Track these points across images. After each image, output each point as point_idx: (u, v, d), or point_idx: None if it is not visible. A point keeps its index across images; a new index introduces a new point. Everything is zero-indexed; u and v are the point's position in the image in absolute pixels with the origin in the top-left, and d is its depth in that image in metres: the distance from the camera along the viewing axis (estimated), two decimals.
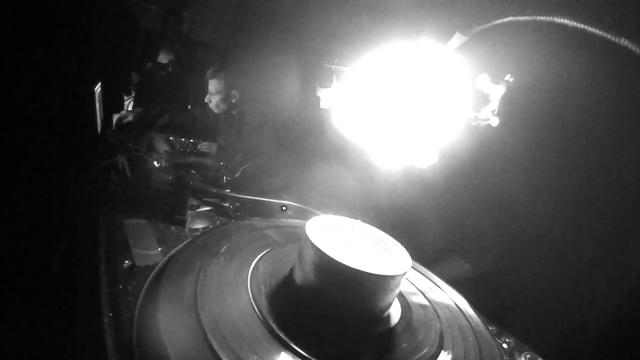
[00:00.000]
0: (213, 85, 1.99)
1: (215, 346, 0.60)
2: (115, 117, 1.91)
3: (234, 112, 2.04)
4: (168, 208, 1.09)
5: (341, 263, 0.68)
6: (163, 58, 2.91)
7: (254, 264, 0.84)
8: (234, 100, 1.99)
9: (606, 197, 1.06)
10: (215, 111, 2.05)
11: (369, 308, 0.74)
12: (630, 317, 0.99)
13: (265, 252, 0.90)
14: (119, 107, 2.56)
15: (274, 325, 0.67)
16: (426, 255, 1.23)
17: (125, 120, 1.91)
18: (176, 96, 2.82)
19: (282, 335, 0.65)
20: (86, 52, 1.68)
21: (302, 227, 0.76)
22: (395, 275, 0.71)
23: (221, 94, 1.98)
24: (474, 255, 1.32)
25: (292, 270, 0.83)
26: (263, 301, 0.73)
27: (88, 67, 1.70)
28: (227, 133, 2.06)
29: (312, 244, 0.71)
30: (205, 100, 2.04)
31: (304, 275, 0.76)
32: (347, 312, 0.73)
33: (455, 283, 0.99)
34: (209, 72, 2.00)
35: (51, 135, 1.52)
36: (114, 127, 1.88)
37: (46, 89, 1.52)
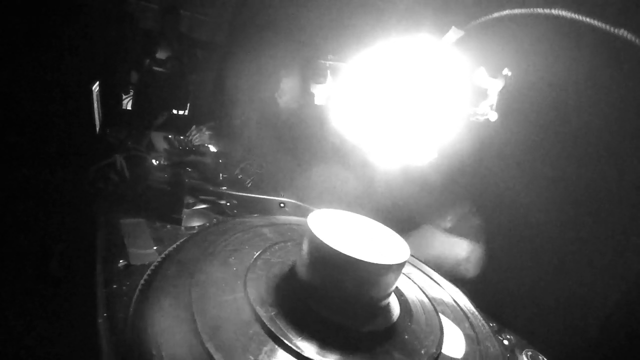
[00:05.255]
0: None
1: (210, 346, 0.60)
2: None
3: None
4: (165, 207, 1.09)
5: (341, 252, 0.68)
6: (161, 55, 2.91)
7: (251, 262, 0.83)
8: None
9: (606, 195, 1.05)
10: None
11: (368, 300, 0.73)
12: (630, 317, 0.98)
13: (262, 250, 0.89)
14: (118, 105, 2.57)
15: (270, 325, 0.66)
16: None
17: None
18: (176, 94, 2.82)
19: (279, 335, 0.65)
20: (84, 50, 1.68)
21: (302, 224, 0.75)
22: (394, 264, 0.71)
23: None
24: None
25: (292, 267, 0.82)
26: (260, 300, 0.72)
27: (86, 65, 1.69)
28: (240, 137, 2.04)
29: (314, 235, 0.71)
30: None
31: (304, 268, 0.75)
32: (346, 305, 0.72)
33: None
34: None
35: (49, 134, 1.52)
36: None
37: (44, 88, 1.51)
